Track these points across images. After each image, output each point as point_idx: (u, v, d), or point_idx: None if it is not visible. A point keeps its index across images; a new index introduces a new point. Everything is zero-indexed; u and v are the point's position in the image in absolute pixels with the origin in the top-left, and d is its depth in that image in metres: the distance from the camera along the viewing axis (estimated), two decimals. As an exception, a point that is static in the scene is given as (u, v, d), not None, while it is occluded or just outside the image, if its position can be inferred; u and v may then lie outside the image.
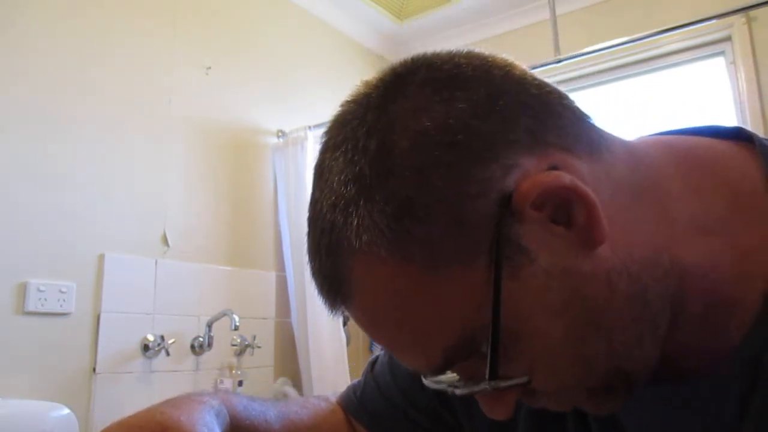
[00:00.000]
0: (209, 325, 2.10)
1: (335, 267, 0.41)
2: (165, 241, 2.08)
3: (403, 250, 0.38)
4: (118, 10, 2.06)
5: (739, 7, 1.93)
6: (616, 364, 0.42)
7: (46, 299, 1.72)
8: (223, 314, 2.08)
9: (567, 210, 0.39)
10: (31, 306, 1.69)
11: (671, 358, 0.45)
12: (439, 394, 0.62)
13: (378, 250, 0.39)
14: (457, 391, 0.43)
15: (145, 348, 1.94)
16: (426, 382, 0.46)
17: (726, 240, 0.44)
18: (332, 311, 0.44)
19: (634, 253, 0.41)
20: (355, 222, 0.39)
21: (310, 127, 2.52)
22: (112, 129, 1.98)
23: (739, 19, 2.43)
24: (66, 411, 1.59)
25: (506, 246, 0.38)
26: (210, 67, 2.35)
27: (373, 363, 0.71)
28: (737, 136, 0.48)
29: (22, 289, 1.69)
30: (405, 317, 0.41)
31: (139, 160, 2.05)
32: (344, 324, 2.49)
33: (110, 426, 0.47)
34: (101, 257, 1.88)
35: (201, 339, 2.10)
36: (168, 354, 1.98)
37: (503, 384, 0.41)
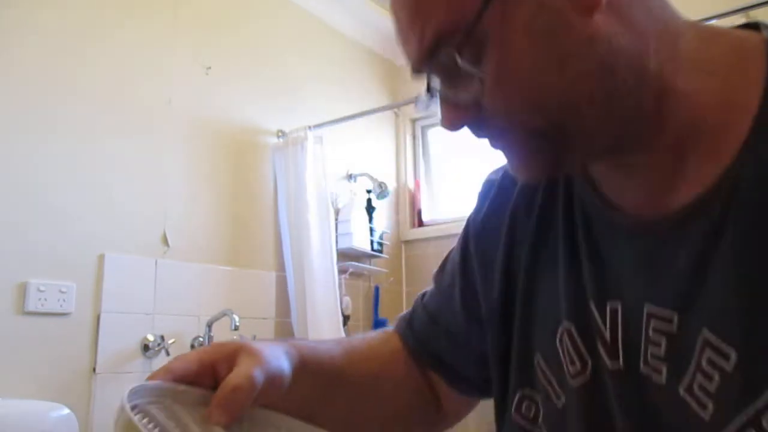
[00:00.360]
0: (209, 325, 2.10)
1: None
2: (165, 241, 2.08)
3: None
4: (117, 10, 2.06)
5: (739, 7, 1.93)
6: (562, 113, 0.47)
7: (46, 299, 1.72)
8: (223, 314, 2.08)
9: None
10: (31, 306, 1.69)
11: (655, 189, 0.50)
12: (467, 285, 0.69)
13: None
14: (432, 82, 0.51)
15: (145, 348, 1.94)
16: (415, 74, 0.53)
17: (721, 80, 0.48)
18: None
19: (624, 41, 0.46)
20: None
21: (310, 127, 2.52)
22: (112, 129, 1.98)
23: (739, 19, 2.43)
24: (66, 411, 1.60)
25: None
26: (210, 67, 2.35)
27: (423, 295, 0.79)
28: (746, 26, 0.54)
29: (22, 289, 1.69)
30: None
31: (139, 160, 2.05)
32: (344, 324, 2.49)
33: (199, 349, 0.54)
34: (101, 257, 1.88)
35: (201, 339, 2.10)
36: (168, 354, 1.98)
37: (466, 65, 0.47)
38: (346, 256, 2.74)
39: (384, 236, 3.01)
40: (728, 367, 0.43)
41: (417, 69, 0.53)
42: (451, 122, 0.51)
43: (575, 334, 0.55)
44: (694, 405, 0.46)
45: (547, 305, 0.59)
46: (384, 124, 3.33)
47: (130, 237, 1.98)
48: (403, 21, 0.52)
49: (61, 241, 1.79)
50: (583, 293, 0.55)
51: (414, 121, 3.45)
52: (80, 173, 1.87)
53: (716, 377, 0.44)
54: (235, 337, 2.19)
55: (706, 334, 0.45)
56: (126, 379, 1.88)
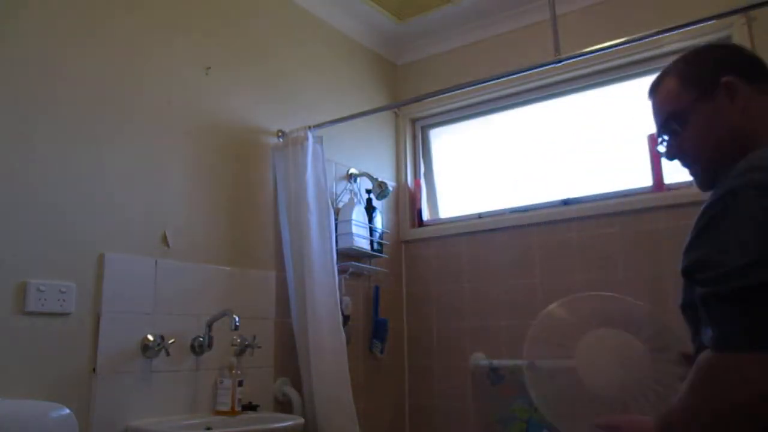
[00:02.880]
0: (209, 325, 2.10)
1: None
2: (165, 241, 2.08)
3: None
4: (117, 10, 2.06)
5: (739, 7, 1.93)
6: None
7: (46, 299, 1.72)
8: (223, 314, 2.08)
9: None
10: (31, 306, 1.69)
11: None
12: None
13: None
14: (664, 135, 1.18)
15: (145, 348, 1.94)
16: None
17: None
18: None
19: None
20: None
21: (310, 127, 2.52)
22: (112, 129, 1.98)
23: (739, 19, 2.43)
24: (66, 411, 1.59)
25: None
26: (210, 67, 2.35)
27: None
28: None
29: (22, 289, 1.69)
30: None
31: (139, 159, 2.05)
32: (344, 324, 2.49)
33: None
34: (101, 257, 1.88)
35: (201, 339, 2.10)
36: (168, 354, 1.98)
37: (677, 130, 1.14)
38: (346, 256, 2.74)
39: (384, 236, 3.01)
40: None
41: (659, 131, 1.17)
42: (668, 154, 1.16)
43: None
44: None
45: None
46: (384, 124, 3.33)
47: (130, 237, 1.98)
48: (655, 107, 1.18)
49: (61, 241, 1.79)
50: None
51: (414, 121, 3.45)
52: (80, 173, 1.87)
53: None
54: (234, 337, 2.19)
55: None
56: (126, 379, 1.88)
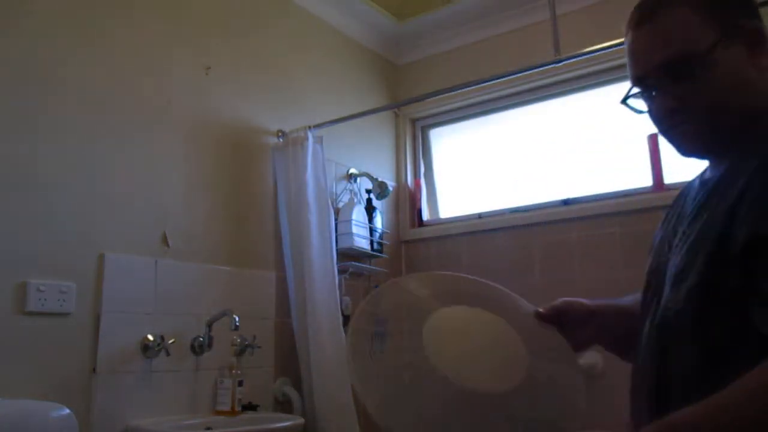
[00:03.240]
0: (209, 325, 2.10)
1: None
2: (165, 241, 2.08)
3: None
4: (117, 10, 2.06)
5: (739, 7, 1.92)
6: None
7: (46, 299, 1.72)
8: (223, 314, 2.08)
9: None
10: (31, 306, 1.69)
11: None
12: None
13: None
14: (660, 83, 0.88)
15: (145, 348, 1.94)
16: None
17: None
18: None
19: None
20: None
21: (310, 127, 2.52)
22: (113, 129, 1.98)
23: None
24: (66, 411, 1.59)
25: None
26: (210, 67, 2.35)
27: None
28: None
29: (22, 289, 1.69)
30: None
31: (139, 160, 2.05)
32: (344, 324, 2.49)
33: None
34: (101, 257, 1.88)
35: (201, 339, 2.10)
36: (168, 354, 1.98)
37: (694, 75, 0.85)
38: (346, 256, 2.74)
39: (384, 236, 3.01)
40: None
41: (652, 73, 0.88)
42: (666, 107, 0.87)
43: None
44: None
45: None
46: (384, 124, 3.33)
47: (130, 237, 1.98)
48: (652, 41, 0.87)
49: (61, 241, 1.79)
50: None
51: (414, 121, 3.45)
52: (80, 173, 1.87)
53: None
54: (234, 337, 2.19)
55: None
56: (126, 379, 1.88)
